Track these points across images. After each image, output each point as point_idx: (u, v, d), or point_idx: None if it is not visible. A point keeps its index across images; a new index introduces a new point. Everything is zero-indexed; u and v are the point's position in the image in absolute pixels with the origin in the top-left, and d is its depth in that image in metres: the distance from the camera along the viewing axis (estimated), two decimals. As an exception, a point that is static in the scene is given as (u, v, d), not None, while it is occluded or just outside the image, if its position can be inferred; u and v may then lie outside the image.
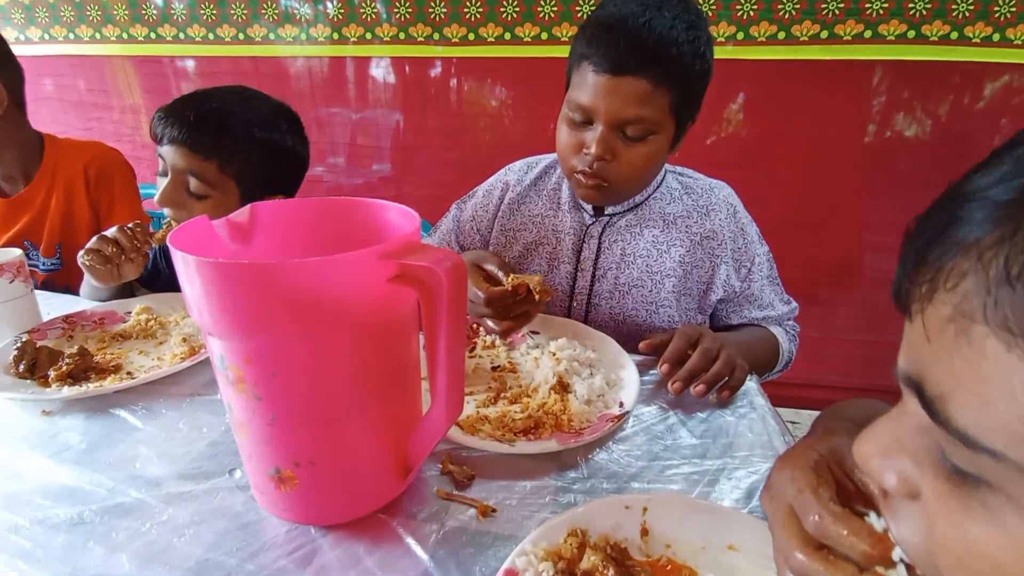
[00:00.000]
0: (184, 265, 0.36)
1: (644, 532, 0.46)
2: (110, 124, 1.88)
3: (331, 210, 0.51)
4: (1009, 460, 0.21)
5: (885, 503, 0.29)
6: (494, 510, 0.50)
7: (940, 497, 0.24)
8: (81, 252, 0.80)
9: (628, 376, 0.68)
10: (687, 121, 0.77)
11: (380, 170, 1.78)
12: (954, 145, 1.48)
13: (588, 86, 0.71)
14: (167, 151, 0.80)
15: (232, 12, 1.64)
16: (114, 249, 0.80)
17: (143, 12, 1.70)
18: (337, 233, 0.50)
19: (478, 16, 1.52)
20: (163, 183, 0.80)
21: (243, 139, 0.81)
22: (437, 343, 0.39)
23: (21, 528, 0.47)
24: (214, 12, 1.65)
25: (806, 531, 0.33)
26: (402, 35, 1.57)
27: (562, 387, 0.65)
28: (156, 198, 0.81)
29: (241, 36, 1.66)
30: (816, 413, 0.52)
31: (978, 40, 1.41)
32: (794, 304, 0.93)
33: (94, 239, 0.82)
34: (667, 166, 0.90)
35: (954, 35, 1.42)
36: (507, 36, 1.52)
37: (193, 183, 0.80)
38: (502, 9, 1.50)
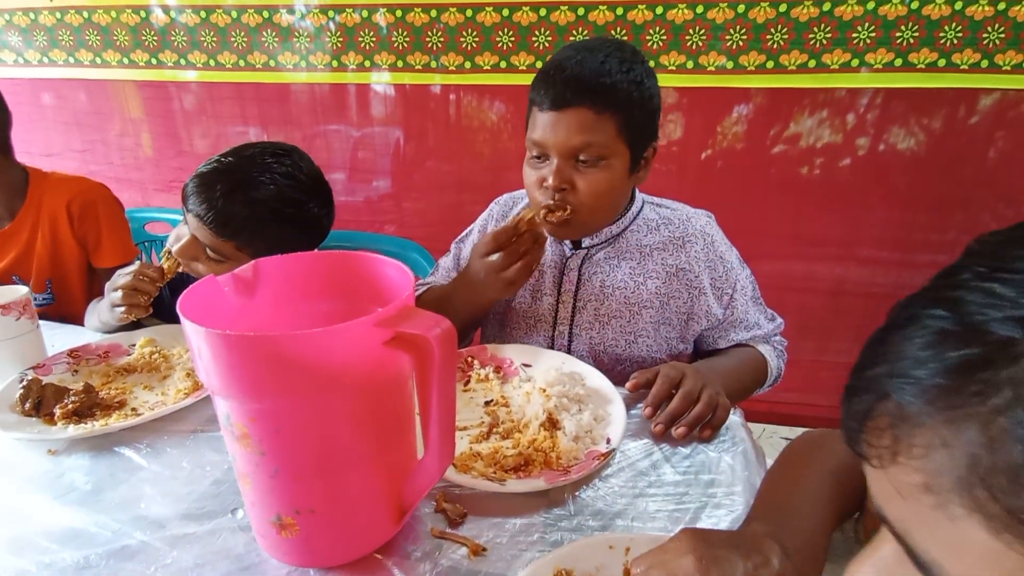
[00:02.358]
0: (194, 334, 0.38)
1: (626, 572, 0.49)
2: (103, 145, 1.91)
3: (330, 263, 0.54)
4: None
5: None
6: (484, 549, 0.52)
7: None
8: (116, 294, 0.83)
9: (615, 411, 0.71)
10: (641, 147, 0.81)
11: (381, 187, 1.81)
12: (944, 162, 1.52)
13: (539, 125, 0.79)
14: (191, 220, 0.81)
15: (232, 40, 1.68)
16: (142, 297, 0.83)
17: (143, 38, 1.74)
18: (336, 285, 0.53)
19: (474, 45, 1.56)
20: (184, 233, 0.83)
21: (268, 220, 0.81)
22: (430, 400, 0.42)
23: (28, 573, 0.49)
24: (214, 39, 1.69)
25: None
26: (400, 63, 1.61)
27: (551, 424, 0.68)
28: (176, 249, 0.83)
29: (242, 63, 1.70)
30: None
31: (966, 67, 1.45)
32: (779, 320, 0.95)
33: (125, 280, 0.83)
34: (646, 197, 0.93)
35: (942, 62, 1.46)
36: (503, 64, 1.56)
37: (210, 252, 0.82)
38: (497, 39, 1.54)
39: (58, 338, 0.90)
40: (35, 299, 1.09)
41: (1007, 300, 0.20)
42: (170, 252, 0.84)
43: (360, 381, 0.41)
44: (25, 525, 0.55)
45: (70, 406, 0.68)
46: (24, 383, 0.70)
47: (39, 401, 0.69)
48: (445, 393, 0.42)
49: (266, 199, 0.81)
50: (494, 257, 0.76)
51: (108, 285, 0.85)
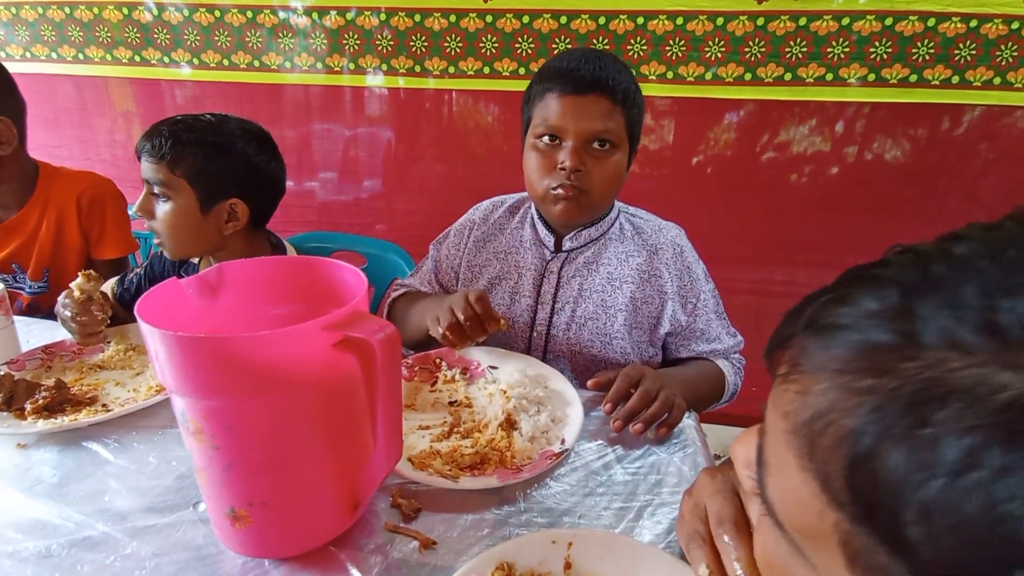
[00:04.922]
0: (148, 334, 0.41)
1: (567, 566, 0.51)
2: (80, 142, 1.91)
3: (291, 268, 0.56)
4: (792, 536, 0.26)
5: (746, 496, 0.37)
6: (435, 543, 0.55)
7: (762, 509, 0.30)
8: (65, 317, 0.82)
9: (573, 413, 0.73)
10: (634, 146, 0.87)
11: (371, 186, 1.83)
12: (922, 173, 1.56)
13: (556, 108, 0.82)
14: (141, 166, 0.88)
15: (216, 39, 1.69)
16: (75, 315, 0.82)
17: (126, 35, 1.74)
18: (296, 288, 0.55)
19: (458, 50, 1.58)
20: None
21: (192, 142, 0.87)
22: (375, 400, 0.44)
23: (-8, 560, 0.51)
24: (198, 38, 1.70)
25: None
26: (384, 67, 1.63)
27: (509, 424, 0.70)
28: (135, 206, 0.89)
29: (226, 63, 1.71)
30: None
31: (937, 83, 1.49)
32: (740, 338, 0.99)
33: (67, 307, 0.82)
34: (620, 206, 0.97)
35: (913, 78, 1.50)
36: (486, 70, 1.59)
37: (155, 188, 0.88)
38: (481, 45, 1.56)
39: (34, 334, 0.91)
40: (30, 286, 1.11)
41: (954, 309, 0.20)
42: (88, 274, 0.83)
43: (310, 381, 0.44)
44: (-8, 516, 0.56)
45: (40, 401, 0.70)
46: (-4, 378, 0.72)
47: (10, 396, 0.71)
48: (389, 393, 0.44)
49: (193, 128, 0.88)
50: (461, 315, 0.75)
51: (56, 310, 0.84)
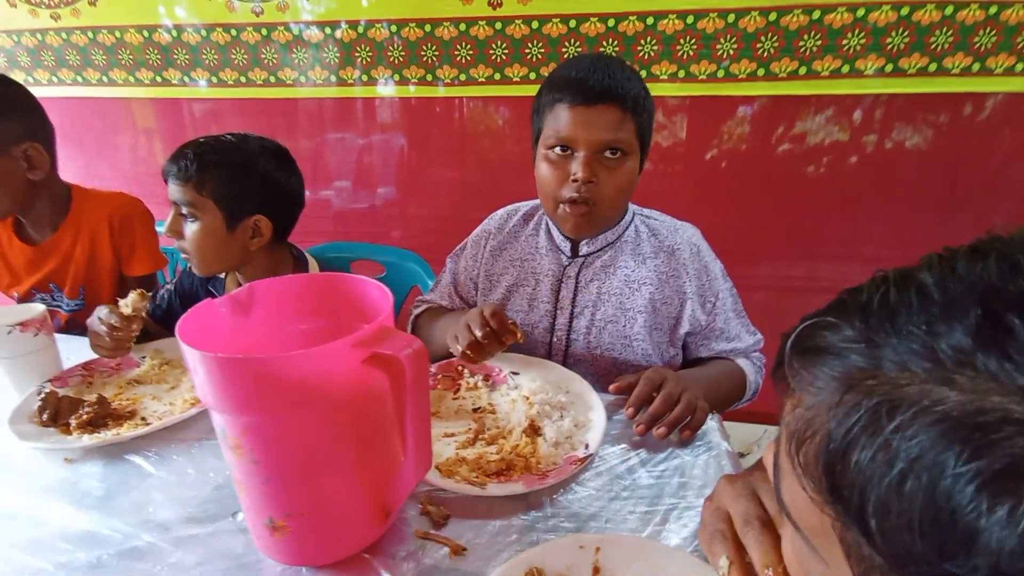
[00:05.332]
0: (190, 356, 0.43)
1: (596, 571, 0.52)
2: (103, 160, 1.97)
3: (319, 285, 0.58)
4: (804, 535, 0.30)
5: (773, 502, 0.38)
6: (464, 549, 0.56)
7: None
8: (100, 330, 0.86)
9: (596, 418, 0.74)
10: (645, 152, 0.87)
11: (386, 194, 1.86)
12: (943, 163, 1.53)
13: (566, 119, 0.82)
14: (168, 188, 0.92)
15: (233, 57, 1.73)
16: (109, 331, 0.85)
17: (147, 57, 1.80)
18: (324, 304, 0.57)
19: (468, 58, 1.60)
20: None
21: (216, 163, 0.91)
22: (405, 414, 0.46)
23: (45, 572, 0.54)
24: (215, 57, 1.74)
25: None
26: (396, 77, 1.65)
27: (533, 430, 0.72)
28: (164, 228, 0.93)
29: (243, 80, 1.75)
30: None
31: (957, 71, 1.47)
32: (760, 335, 0.99)
33: (98, 331, 0.86)
34: (634, 208, 0.97)
35: (932, 67, 1.47)
36: (497, 76, 1.60)
37: (183, 209, 0.91)
38: (491, 52, 1.58)
39: (73, 351, 0.95)
40: (68, 304, 1.16)
41: (904, 339, 0.24)
42: (142, 293, 0.87)
43: (341, 396, 0.45)
44: (43, 529, 0.59)
45: (84, 416, 0.73)
46: (42, 395, 0.75)
47: (56, 412, 0.74)
48: (419, 406, 0.45)
49: (215, 149, 0.92)
50: (479, 332, 0.76)
51: (89, 322, 0.88)
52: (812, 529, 0.28)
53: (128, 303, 0.85)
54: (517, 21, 1.54)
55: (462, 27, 1.57)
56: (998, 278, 0.23)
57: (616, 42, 1.53)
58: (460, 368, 0.87)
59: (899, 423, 0.22)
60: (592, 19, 1.52)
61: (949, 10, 1.41)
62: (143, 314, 0.87)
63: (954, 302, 0.24)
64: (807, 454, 0.27)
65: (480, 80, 1.61)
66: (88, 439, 0.70)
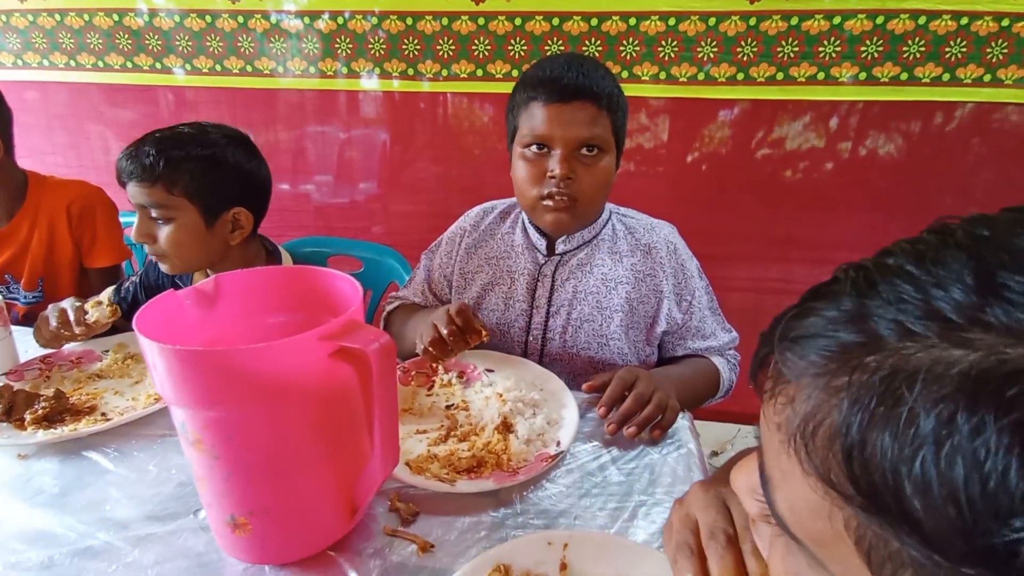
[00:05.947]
0: (148, 348, 0.41)
1: (563, 567, 0.52)
2: (75, 149, 1.91)
3: (288, 277, 0.57)
4: (808, 548, 0.27)
5: (753, 524, 0.36)
6: (432, 546, 0.56)
7: (774, 530, 0.31)
8: (53, 327, 0.84)
9: (568, 416, 0.74)
10: (621, 149, 0.88)
11: (367, 189, 1.83)
12: (916, 170, 1.57)
13: (542, 117, 0.82)
14: (129, 190, 0.86)
15: (208, 45, 1.69)
16: (59, 328, 0.84)
17: (118, 42, 1.74)
18: (292, 298, 0.56)
19: (450, 53, 1.58)
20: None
21: (182, 158, 0.85)
22: (372, 408, 0.45)
23: (-5, 571, 0.52)
24: (189, 44, 1.70)
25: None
26: (377, 70, 1.63)
27: (505, 427, 0.71)
28: (132, 233, 0.87)
29: (218, 68, 1.71)
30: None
31: (928, 80, 1.50)
32: (735, 333, 1.00)
33: (45, 316, 0.84)
34: (611, 207, 0.98)
35: (904, 76, 1.51)
36: (479, 73, 1.59)
37: (153, 211, 0.86)
38: (473, 48, 1.57)
39: (31, 344, 0.91)
40: (26, 296, 1.12)
41: (898, 305, 0.23)
42: (115, 309, 0.85)
43: (307, 390, 0.44)
44: (-6, 527, 0.57)
45: (40, 411, 0.70)
46: (-4, 389, 0.72)
47: (10, 406, 0.71)
48: (386, 401, 0.45)
49: (176, 143, 0.86)
50: (444, 330, 0.75)
51: (47, 311, 0.86)
52: (819, 539, 0.26)
53: (95, 315, 0.82)
54: (500, 17, 1.53)
55: (444, 21, 1.55)
56: (976, 241, 0.23)
57: (599, 41, 1.53)
58: (435, 365, 0.86)
59: (916, 393, 0.21)
60: (575, 18, 1.52)
61: (922, 20, 1.45)
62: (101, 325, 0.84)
63: (943, 265, 0.23)
64: (815, 449, 0.24)
65: (463, 76, 1.60)
66: (43, 434, 0.68)
